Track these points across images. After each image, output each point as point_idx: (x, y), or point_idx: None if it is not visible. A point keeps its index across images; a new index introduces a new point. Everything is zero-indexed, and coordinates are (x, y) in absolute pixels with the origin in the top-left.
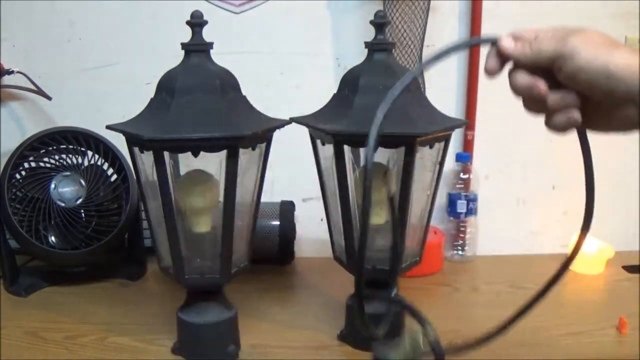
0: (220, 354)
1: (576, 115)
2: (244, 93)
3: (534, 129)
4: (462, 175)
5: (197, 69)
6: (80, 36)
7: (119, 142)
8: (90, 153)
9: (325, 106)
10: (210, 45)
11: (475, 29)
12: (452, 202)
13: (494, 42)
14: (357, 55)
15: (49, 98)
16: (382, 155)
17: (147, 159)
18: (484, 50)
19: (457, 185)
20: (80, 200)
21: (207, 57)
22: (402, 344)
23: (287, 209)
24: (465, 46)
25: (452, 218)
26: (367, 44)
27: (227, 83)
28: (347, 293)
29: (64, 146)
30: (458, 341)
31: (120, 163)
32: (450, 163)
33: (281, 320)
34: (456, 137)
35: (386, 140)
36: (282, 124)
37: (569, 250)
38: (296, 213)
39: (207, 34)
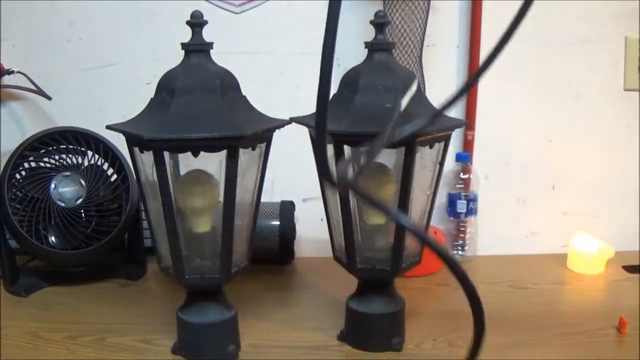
0: (220, 354)
1: None
2: (244, 93)
3: (534, 129)
4: (462, 175)
5: (197, 69)
6: (80, 36)
7: (119, 142)
8: (90, 153)
9: None
10: (210, 45)
11: (475, 29)
12: (452, 202)
13: None
14: (357, 56)
15: (49, 98)
16: (382, 155)
17: (147, 159)
18: (484, 50)
19: (457, 185)
20: (80, 200)
21: (207, 57)
22: None
23: (287, 209)
24: None
25: (452, 218)
26: (367, 44)
27: (227, 83)
28: (347, 293)
29: (64, 146)
30: (458, 341)
31: (120, 163)
32: (450, 163)
33: (281, 320)
34: (456, 137)
35: None
36: (282, 124)
37: None
38: (296, 213)
39: (207, 34)
